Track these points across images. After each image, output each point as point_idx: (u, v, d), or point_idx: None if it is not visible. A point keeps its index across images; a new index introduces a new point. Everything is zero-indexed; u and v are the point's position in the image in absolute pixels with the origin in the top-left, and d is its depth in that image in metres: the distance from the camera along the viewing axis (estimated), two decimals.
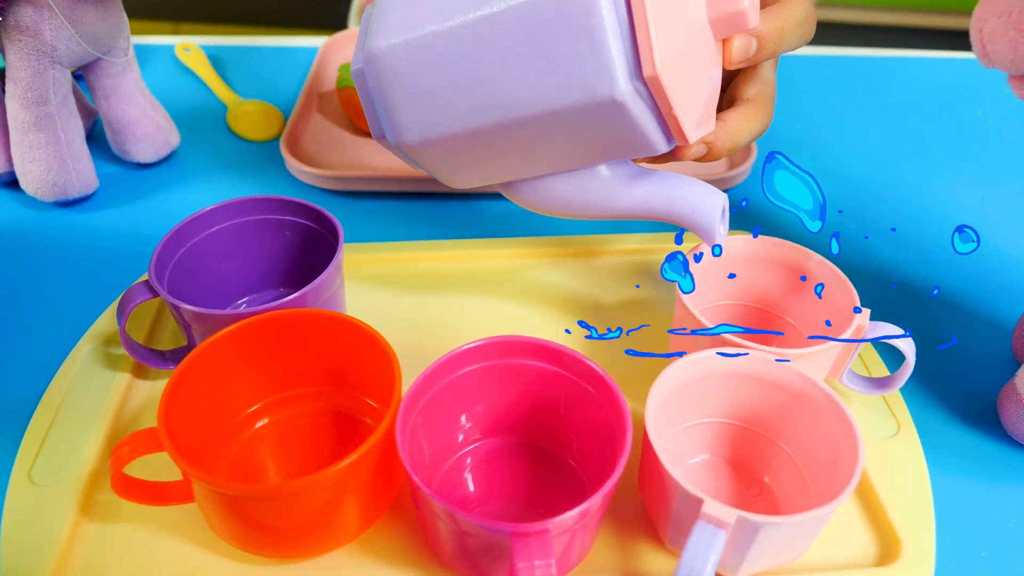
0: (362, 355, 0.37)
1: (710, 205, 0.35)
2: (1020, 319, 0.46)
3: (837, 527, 0.36)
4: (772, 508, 0.36)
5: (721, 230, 0.36)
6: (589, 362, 0.34)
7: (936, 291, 0.39)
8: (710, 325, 0.36)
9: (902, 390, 0.43)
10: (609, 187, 0.36)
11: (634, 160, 0.37)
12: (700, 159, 0.37)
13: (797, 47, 0.38)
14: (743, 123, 0.38)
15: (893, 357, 0.45)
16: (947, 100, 0.71)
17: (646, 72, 0.29)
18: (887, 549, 0.35)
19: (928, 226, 0.56)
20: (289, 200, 0.43)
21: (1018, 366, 0.45)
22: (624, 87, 0.30)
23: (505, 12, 0.30)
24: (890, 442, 0.40)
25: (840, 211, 0.57)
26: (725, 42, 0.35)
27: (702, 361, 0.35)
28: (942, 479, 0.39)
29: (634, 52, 0.30)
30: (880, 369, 0.44)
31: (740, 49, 0.36)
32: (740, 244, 0.42)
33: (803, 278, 0.41)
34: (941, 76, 0.75)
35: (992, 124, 0.68)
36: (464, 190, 0.39)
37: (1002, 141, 0.66)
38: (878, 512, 0.37)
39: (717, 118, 0.37)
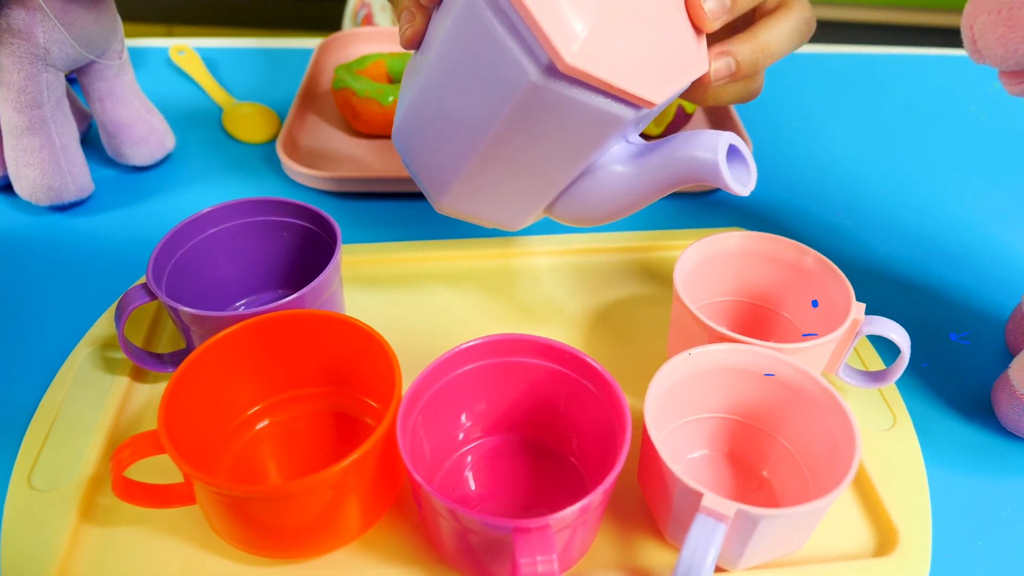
0: (362, 355, 0.37)
1: (709, 142, 0.33)
2: (1012, 312, 0.47)
3: (835, 519, 0.37)
4: (771, 501, 0.37)
5: (727, 171, 0.33)
6: (588, 359, 0.35)
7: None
8: (708, 322, 0.37)
9: (897, 383, 0.44)
10: (624, 176, 0.35)
11: (642, 134, 0.38)
12: (732, 78, 0.36)
13: (793, 51, 0.39)
14: (771, 32, 0.37)
15: (888, 351, 0.45)
16: (940, 97, 0.72)
17: (559, 67, 0.30)
18: (884, 540, 0.36)
19: (922, 221, 0.57)
20: (287, 202, 0.43)
21: (1010, 358, 0.46)
22: (535, 74, 0.30)
23: (440, 57, 0.34)
24: (886, 434, 0.40)
25: (839, 214, 0.57)
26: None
27: (700, 357, 0.36)
28: (938, 471, 0.40)
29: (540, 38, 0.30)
30: (876, 363, 0.44)
31: (721, 68, 0.36)
32: (736, 240, 0.42)
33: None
34: (934, 73, 0.75)
35: (985, 120, 0.68)
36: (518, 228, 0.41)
37: (995, 137, 0.66)
38: (875, 504, 0.37)
39: (745, 32, 0.37)
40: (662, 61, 0.33)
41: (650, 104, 0.32)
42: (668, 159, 0.34)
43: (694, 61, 0.35)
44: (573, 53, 0.30)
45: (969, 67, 0.76)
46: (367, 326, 0.36)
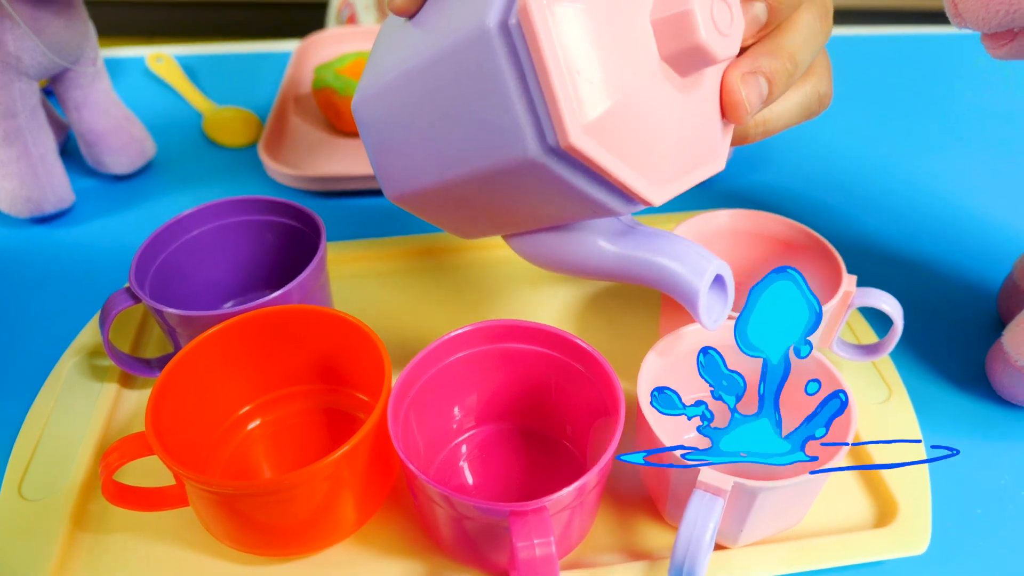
0: (350, 349, 0.37)
1: (698, 266, 0.29)
2: (1004, 282, 0.47)
3: (834, 492, 0.36)
4: (768, 479, 0.36)
5: (704, 303, 0.29)
6: (579, 341, 0.34)
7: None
8: None
9: (892, 356, 0.44)
10: (587, 247, 0.31)
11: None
12: (766, 103, 0.30)
13: (795, 125, 0.34)
14: (790, 34, 0.30)
15: (881, 324, 0.45)
16: (927, 75, 0.72)
17: (562, 142, 0.25)
18: (884, 511, 0.36)
19: (911, 197, 0.57)
20: (269, 200, 0.43)
21: (1002, 328, 0.46)
22: (534, 150, 0.26)
23: (431, 63, 0.28)
24: (882, 407, 0.40)
25: (828, 195, 0.57)
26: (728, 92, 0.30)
27: (693, 335, 0.35)
28: (935, 441, 0.39)
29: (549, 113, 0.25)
30: (869, 336, 0.44)
31: (754, 97, 0.30)
32: (723, 219, 0.42)
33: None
34: (920, 52, 0.76)
35: (970, 97, 0.69)
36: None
37: (980, 114, 0.66)
38: (873, 476, 0.37)
39: (763, 42, 0.31)
40: (678, 156, 0.28)
41: (650, 203, 0.28)
42: (649, 258, 0.30)
43: (712, 156, 0.30)
44: (582, 130, 0.25)
45: (954, 45, 0.76)
46: (354, 319, 0.36)
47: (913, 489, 0.36)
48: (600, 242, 0.31)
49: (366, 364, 0.36)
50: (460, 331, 0.35)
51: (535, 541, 0.28)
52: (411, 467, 0.29)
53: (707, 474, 0.29)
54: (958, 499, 0.37)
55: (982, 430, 0.40)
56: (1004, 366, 0.40)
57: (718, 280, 0.31)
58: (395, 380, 0.33)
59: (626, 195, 0.27)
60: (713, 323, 0.30)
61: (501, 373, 0.36)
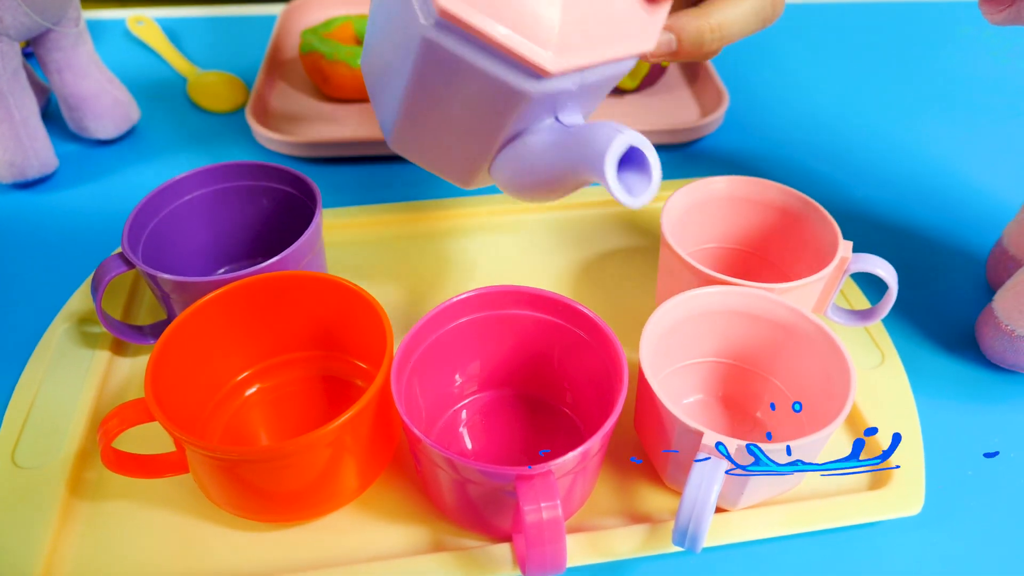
0: (350, 316, 0.36)
1: (603, 138, 0.28)
2: (992, 248, 0.47)
3: (830, 456, 0.37)
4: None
5: (613, 173, 0.28)
6: (581, 307, 0.34)
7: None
8: (697, 265, 0.36)
9: (883, 321, 0.44)
10: (536, 153, 0.32)
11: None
12: (673, 57, 0.33)
13: (753, 33, 0.35)
14: (727, 11, 0.33)
15: (874, 291, 0.46)
16: (917, 42, 0.72)
17: (437, 10, 0.27)
18: (879, 474, 0.36)
19: (900, 164, 0.57)
20: (264, 165, 0.42)
21: (991, 293, 0.46)
22: (425, 26, 0.28)
23: (373, 6, 0.34)
24: (875, 372, 0.41)
25: (818, 160, 0.57)
26: None
27: (692, 300, 0.35)
28: (926, 404, 0.40)
29: None
30: (862, 302, 0.45)
31: (661, 44, 0.33)
32: (722, 185, 0.42)
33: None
34: (911, 19, 0.75)
35: (960, 64, 0.69)
36: (468, 188, 0.38)
37: (970, 81, 0.66)
38: (868, 439, 0.37)
39: (699, 7, 0.33)
40: (580, 26, 0.29)
41: (545, 72, 0.28)
42: (568, 144, 0.30)
43: (635, 33, 0.31)
44: None
45: (944, 13, 0.76)
46: (354, 285, 0.35)
47: (907, 452, 0.37)
48: (535, 141, 0.32)
49: (365, 331, 0.35)
50: (463, 296, 0.34)
51: (542, 504, 0.28)
52: (417, 432, 0.29)
53: (711, 437, 0.30)
54: (949, 462, 0.38)
55: (971, 393, 0.41)
56: (994, 330, 0.41)
57: (639, 158, 0.29)
58: (397, 346, 0.33)
59: (520, 64, 0.28)
60: (633, 199, 0.28)
61: (503, 339, 0.36)
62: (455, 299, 0.34)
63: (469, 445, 0.37)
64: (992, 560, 0.34)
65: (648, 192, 0.29)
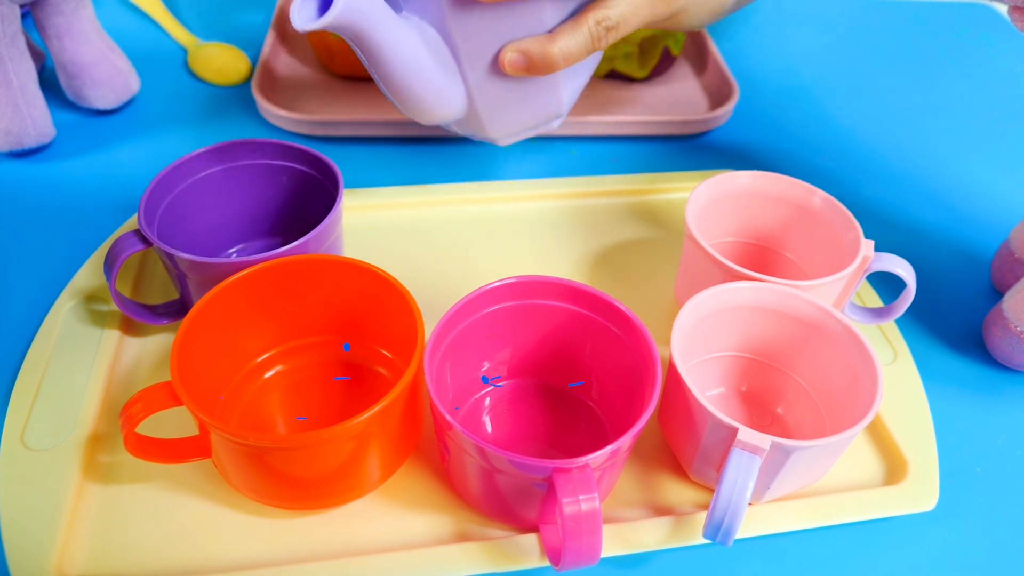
0: (375, 302, 0.36)
1: None
2: (998, 250, 0.48)
3: (848, 452, 0.38)
4: (786, 437, 0.37)
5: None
6: (614, 301, 0.34)
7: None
8: (724, 260, 0.37)
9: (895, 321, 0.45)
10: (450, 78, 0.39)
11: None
12: (529, 72, 0.39)
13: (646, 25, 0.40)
14: (566, 39, 0.38)
15: (887, 290, 0.46)
16: (925, 42, 0.72)
17: None
18: (894, 470, 0.37)
19: (907, 163, 0.57)
20: (284, 144, 0.41)
21: (997, 295, 0.47)
22: None
23: None
24: (889, 369, 0.41)
25: (823, 156, 0.58)
26: None
27: (722, 295, 0.36)
28: (936, 402, 0.41)
29: None
30: (874, 301, 0.45)
31: (510, 63, 0.38)
32: (746, 180, 0.42)
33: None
34: (919, 19, 0.76)
35: (968, 65, 0.69)
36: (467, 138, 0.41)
37: (977, 82, 0.67)
38: (884, 436, 0.38)
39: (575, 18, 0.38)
40: None
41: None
42: None
43: None
44: None
45: (959, 13, 0.77)
46: (384, 272, 0.35)
47: (921, 449, 0.37)
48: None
49: (392, 318, 0.35)
50: (496, 284, 0.34)
51: (581, 497, 0.28)
52: (451, 419, 0.29)
53: (745, 433, 0.30)
54: (959, 458, 0.38)
55: (979, 392, 0.42)
56: (1003, 331, 0.42)
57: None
58: (428, 334, 0.33)
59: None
60: (303, 22, 0.33)
61: (533, 329, 0.36)
62: (488, 287, 0.34)
63: (490, 432, 0.36)
64: (1005, 554, 0.35)
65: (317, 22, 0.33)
